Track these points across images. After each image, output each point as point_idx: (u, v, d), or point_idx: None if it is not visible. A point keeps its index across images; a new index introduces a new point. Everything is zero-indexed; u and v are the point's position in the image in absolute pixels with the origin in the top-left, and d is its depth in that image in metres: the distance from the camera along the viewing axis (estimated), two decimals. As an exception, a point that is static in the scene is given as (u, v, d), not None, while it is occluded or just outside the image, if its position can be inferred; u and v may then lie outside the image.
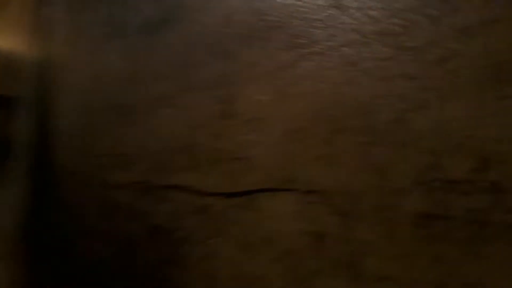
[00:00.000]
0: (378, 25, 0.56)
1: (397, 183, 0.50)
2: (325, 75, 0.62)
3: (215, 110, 0.84)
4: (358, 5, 0.59)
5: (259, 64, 0.75)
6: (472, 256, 0.43)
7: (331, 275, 0.57)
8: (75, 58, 1.57)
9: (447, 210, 0.46)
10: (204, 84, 0.89)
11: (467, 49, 0.46)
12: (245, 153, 0.75)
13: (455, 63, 0.46)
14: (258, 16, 0.77)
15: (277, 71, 0.71)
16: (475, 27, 0.45)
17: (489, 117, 0.43)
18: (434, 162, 0.47)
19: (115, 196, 1.20)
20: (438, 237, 0.46)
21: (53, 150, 1.70)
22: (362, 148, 0.55)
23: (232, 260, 0.74)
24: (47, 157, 1.73)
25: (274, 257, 0.66)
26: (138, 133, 1.12)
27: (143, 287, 0.97)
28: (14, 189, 1.67)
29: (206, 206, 0.83)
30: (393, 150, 0.51)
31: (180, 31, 1.00)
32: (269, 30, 0.75)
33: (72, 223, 1.40)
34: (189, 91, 0.93)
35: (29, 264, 1.43)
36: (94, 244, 1.18)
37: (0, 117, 1.78)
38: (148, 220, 1.02)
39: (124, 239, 1.07)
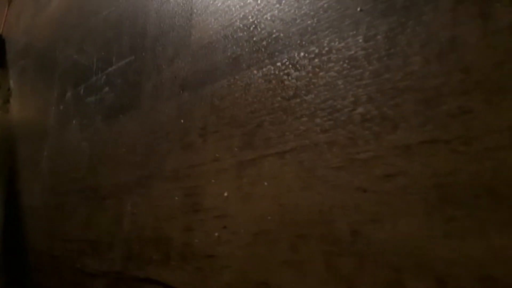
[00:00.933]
0: (326, 133, 0.57)
1: (365, 297, 0.50)
2: (284, 179, 0.63)
3: (182, 203, 0.83)
4: (306, 111, 0.60)
5: (221, 159, 0.76)
6: None
7: None
8: (43, 133, 1.54)
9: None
10: (169, 174, 0.88)
11: (410, 168, 0.47)
12: (216, 251, 0.74)
13: (402, 180, 0.47)
14: (216, 112, 0.78)
15: (239, 169, 0.71)
16: (415, 146, 0.47)
17: (439, 238, 0.44)
18: (396, 279, 0.47)
19: (92, 284, 1.15)
20: None
21: (26, 232, 1.63)
22: (327, 257, 0.55)
23: None
24: (20, 239, 1.66)
25: None
26: (107, 219, 1.09)
27: None
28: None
29: (183, 304, 0.80)
30: (357, 262, 0.51)
31: (141, 118, 1.00)
32: (226, 126, 0.76)
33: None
34: (155, 180, 0.92)
35: None
36: None
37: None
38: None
39: None
